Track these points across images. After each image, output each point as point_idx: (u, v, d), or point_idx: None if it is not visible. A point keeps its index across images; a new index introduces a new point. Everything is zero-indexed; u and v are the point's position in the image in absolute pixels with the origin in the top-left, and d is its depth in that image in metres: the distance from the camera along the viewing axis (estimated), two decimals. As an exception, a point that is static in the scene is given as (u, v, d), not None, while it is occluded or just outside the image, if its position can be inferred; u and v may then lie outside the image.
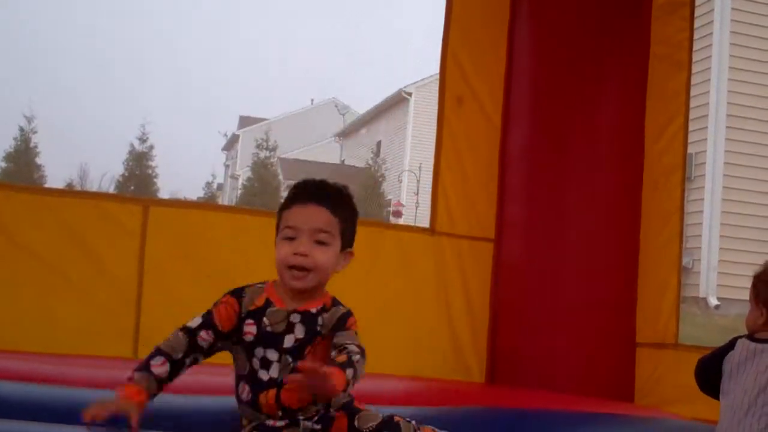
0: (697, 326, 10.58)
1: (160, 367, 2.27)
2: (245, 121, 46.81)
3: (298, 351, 2.34)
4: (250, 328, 2.35)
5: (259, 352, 2.34)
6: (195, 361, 2.36)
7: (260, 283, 2.46)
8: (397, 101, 36.61)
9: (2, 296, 4.20)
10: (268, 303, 2.37)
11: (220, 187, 45.67)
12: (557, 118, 4.60)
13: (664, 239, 4.55)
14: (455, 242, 4.91)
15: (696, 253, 13.60)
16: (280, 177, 36.86)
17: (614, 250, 4.50)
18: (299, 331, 2.35)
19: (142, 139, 37.56)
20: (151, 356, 2.30)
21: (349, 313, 2.44)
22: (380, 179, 34.98)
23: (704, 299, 13.31)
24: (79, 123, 57.48)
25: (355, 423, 2.40)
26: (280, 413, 2.31)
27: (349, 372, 2.20)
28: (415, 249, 4.89)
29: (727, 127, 13.59)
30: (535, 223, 4.63)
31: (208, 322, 2.36)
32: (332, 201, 2.48)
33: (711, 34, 13.41)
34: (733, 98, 13.61)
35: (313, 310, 2.39)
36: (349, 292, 4.68)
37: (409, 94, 35.06)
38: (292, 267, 2.36)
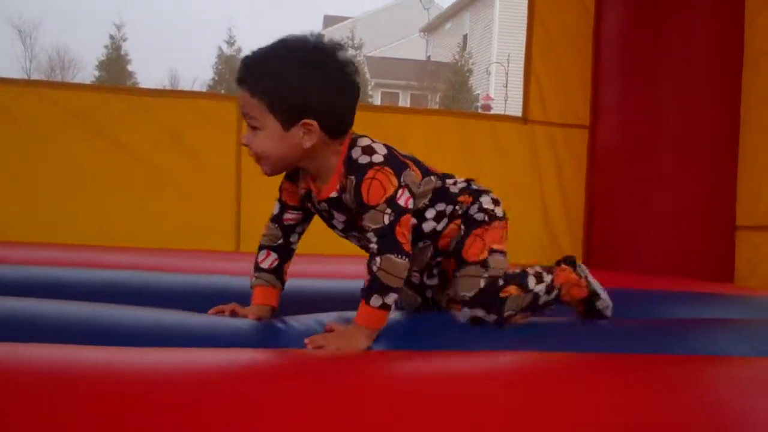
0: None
1: (266, 259, 2.25)
2: (330, 20, 46.51)
3: (356, 228, 2.18)
4: (311, 206, 2.28)
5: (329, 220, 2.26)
6: (302, 232, 2.32)
7: None
8: (483, -7, 35.80)
9: (107, 195, 4.37)
10: (308, 191, 2.23)
11: (307, 87, 45.78)
12: (650, 5, 4.45)
13: (766, 120, 4.40)
14: (549, 130, 4.88)
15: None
16: (367, 75, 36.72)
17: (713, 131, 4.39)
18: (340, 218, 2.20)
19: (230, 43, 37.79)
20: (257, 255, 2.28)
21: (360, 178, 2.07)
22: (467, 74, 34.54)
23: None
24: (168, 29, 58.06)
25: (450, 290, 2.34)
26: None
27: (376, 300, 2.00)
28: (509, 138, 4.88)
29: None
30: (631, 107, 4.54)
31: (283, 205, 2.29)
32: (249, 78, 2.09)
33: None
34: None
35: (334, 195, 2.15)
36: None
37: (495, -15, 34.24)
38: None
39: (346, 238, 2.29)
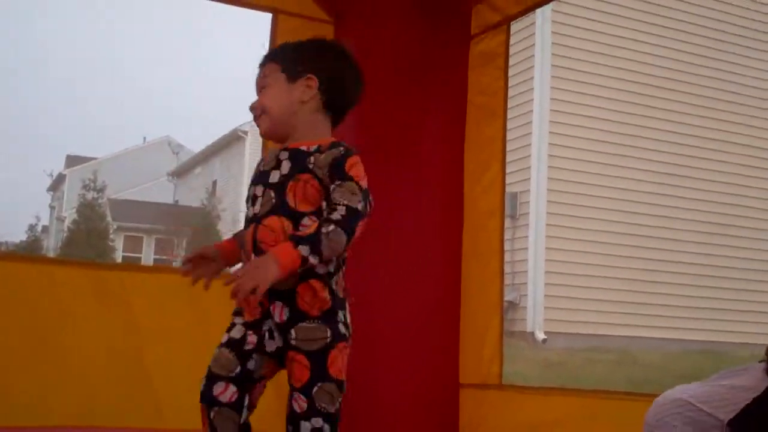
0: (525, 360, 10.89)
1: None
2: (73, 161, 45.15)
3: (281, 186, 2.43)
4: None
5: (251, 190, 2.51)
6: None
7: None
8: (233, 140, 36.27)
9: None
10: (271, 150, 2.55)
11: (45, 229, 43.66)
12: (378, 167, 4.58)
13: (485, 281, 4.60)
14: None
15: (523, 288, 14.01)
16: (109, 218, 35.60)
17: (435, 292, 4.51)
18: (286, 168, 2.45)
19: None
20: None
21: (346, 154, 2.44)
22: (216, 219, 34.44)
23: (531, 333, 13.71)
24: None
25: (291, 334, 2.38)
26: (253, 256, 2.37)
27: (304, 248, 2.23)
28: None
29: (549, 166, 14.13)
30: (355, 267, 4.60)
31: None
32: (272, 52, 2.64)
33: (532, 78, 13.94)
34: (554, 139, 14.19)
35: (304, 148, 2.46)
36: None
37: (245, 133, 34.78)
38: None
39: (262, 194, 2.44)
